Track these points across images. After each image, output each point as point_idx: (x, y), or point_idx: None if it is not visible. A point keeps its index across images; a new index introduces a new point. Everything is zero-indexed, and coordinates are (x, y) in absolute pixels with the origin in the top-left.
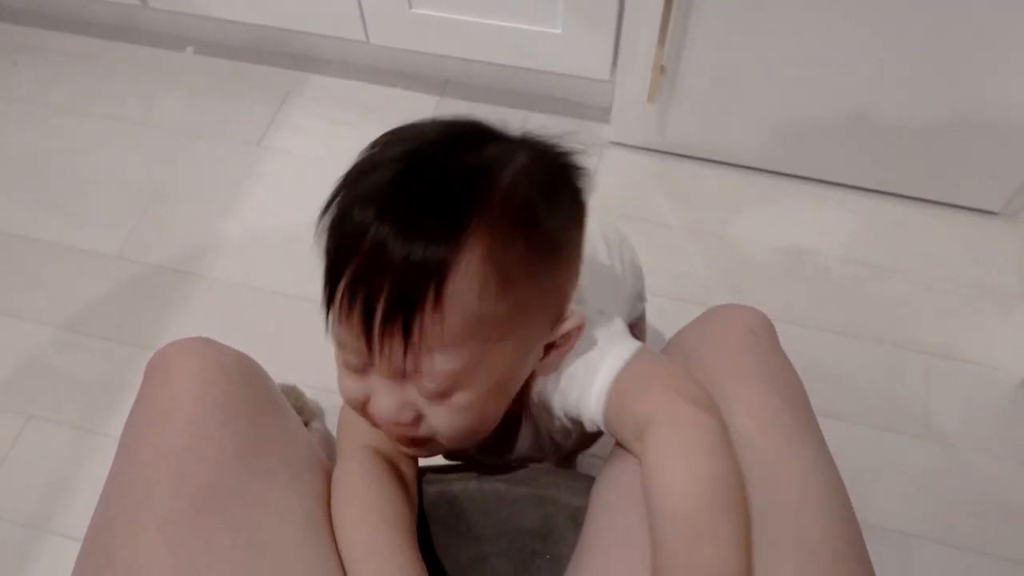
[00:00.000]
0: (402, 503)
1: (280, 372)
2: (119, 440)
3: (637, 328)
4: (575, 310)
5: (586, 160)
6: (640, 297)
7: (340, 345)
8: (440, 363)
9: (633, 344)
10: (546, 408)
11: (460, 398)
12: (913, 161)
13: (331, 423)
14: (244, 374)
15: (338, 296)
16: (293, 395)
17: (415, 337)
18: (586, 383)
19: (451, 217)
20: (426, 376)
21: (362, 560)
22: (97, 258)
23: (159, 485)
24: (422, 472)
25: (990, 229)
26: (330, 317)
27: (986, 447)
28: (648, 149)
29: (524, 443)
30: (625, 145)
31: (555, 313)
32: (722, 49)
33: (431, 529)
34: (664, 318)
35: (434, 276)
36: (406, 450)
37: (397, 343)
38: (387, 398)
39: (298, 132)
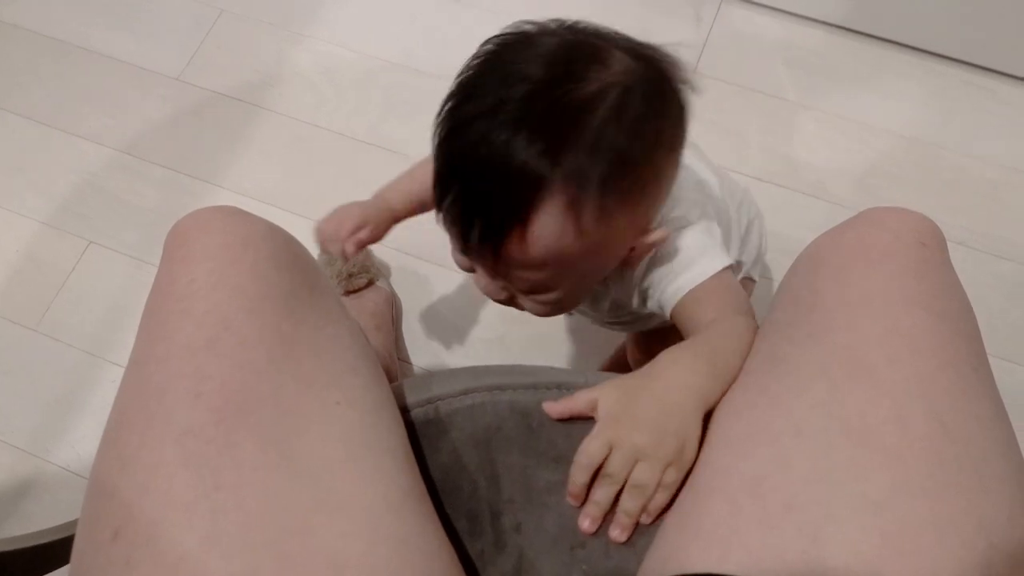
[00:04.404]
0: None
1: None
2: (139, 323)
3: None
4: (661, 225)
5: (686, 72)
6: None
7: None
8: (525, 275)
9: (722, 260)
10: (626, 278)
11: (547, 296)
12: None
13: (396, 283)
14: (276, 252)
15: (443, 208)
16: (361, 252)
17: (502, 259)
18: (670, 277)
19: (534, 169)
20: (515, 280)
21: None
22: (158, 79)
23: (175, 387)
24: (485, 375)
25: None
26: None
27: None
28: (774, 8)
29: (604, 302)
30: (747, 1)
31: (639, 231)
32: None
33: (494, 444)
34: (773, 209)
35: (517, 222)
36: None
37: (488, 260)
38: (484, 279)
39: None
